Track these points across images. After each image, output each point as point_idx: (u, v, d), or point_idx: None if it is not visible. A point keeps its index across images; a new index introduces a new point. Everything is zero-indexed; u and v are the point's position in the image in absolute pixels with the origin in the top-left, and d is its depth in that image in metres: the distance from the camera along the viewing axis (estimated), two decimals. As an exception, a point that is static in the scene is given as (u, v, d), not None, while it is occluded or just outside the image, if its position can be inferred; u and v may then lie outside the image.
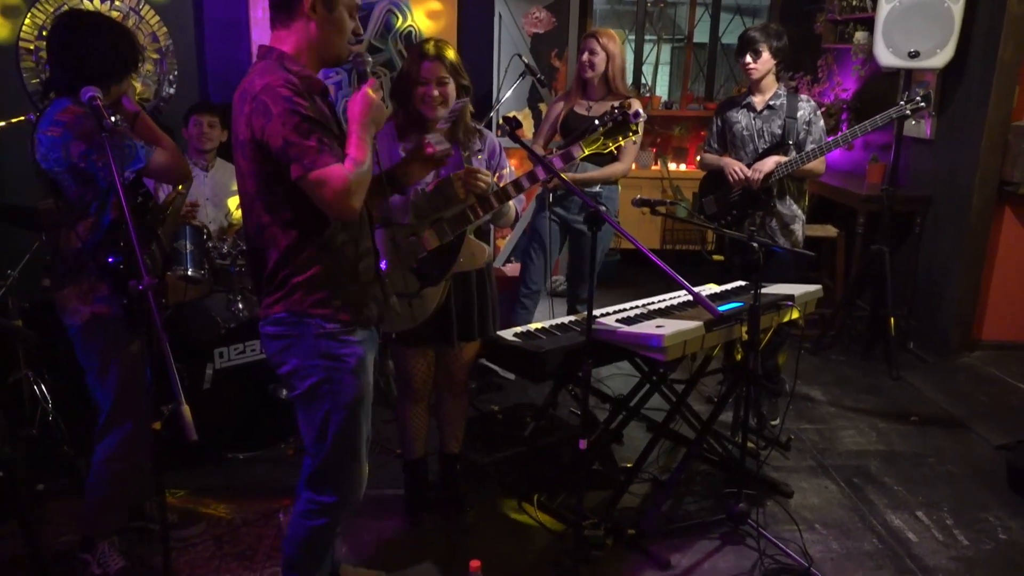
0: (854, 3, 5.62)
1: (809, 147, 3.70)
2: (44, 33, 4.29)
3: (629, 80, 7.39)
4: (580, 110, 4.00)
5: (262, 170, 1.97)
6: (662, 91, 8.63)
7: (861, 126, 3.70)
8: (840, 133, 3.82)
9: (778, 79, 3.84)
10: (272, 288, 2.06)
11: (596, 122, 2.37)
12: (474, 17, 4.97)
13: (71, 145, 2.29)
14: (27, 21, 4.29)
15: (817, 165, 3.73)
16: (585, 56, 3.92)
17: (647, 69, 7.59)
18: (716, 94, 7.40)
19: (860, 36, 5.45)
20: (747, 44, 3.70)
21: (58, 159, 2.31)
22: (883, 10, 4.54)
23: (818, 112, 3.77)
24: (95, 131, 2.10)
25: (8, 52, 4.29)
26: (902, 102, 3.71)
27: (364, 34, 2.14)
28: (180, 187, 3.23)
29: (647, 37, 7.57)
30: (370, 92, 2.00)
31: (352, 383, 2.11)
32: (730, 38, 7.10)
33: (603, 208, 2.44)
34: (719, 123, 3.95)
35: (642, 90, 7.30)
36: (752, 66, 3.71)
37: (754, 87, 3.80)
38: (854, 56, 5.57)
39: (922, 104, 3.68)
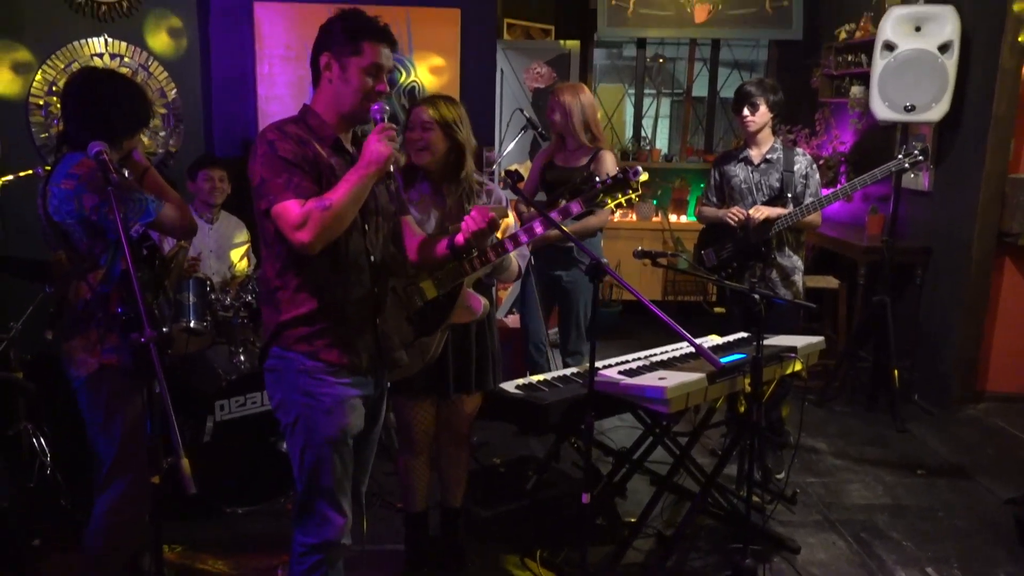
0: (849, 58, 5.73)
1: (808, 200, 3.74)
2: (54, 88, 4.37)
3: (629, 133, 7.56)
4: (558, 161, 4.09)
5: (256, 207, 2.11)
6: (662, 144, 8.75)
7: (861, 179, 3.73)
8: (839, 186, 3.85)
9: (774, 133, 3.90)
10: (270, 324, 2.19)
11: (596, 180, 2.38)
12: (477, 72, 5.05)
13: (84, 197, 2.32)
14: (38, 77, 4.37)
15: (815, 217, 3.77)
16: (547, 114, 4.06)
17: (647, 122, 7.70)
18: (715, 146, 7.49)
19: (856, 90, 5.54)
20: (744, 98, 3.77)
21: (70, 211, 2.34)
22: (878, 65, 4.63)
23: (814, 166, 3.82)
24: (106, 184, 2.13)
25: (18, 107, 4.36)
26: (900, 155, 3.75)
27: (389, 92, 2.19)
28: (183, 242, 3.25)
29: (647, 91, 7.69)
30: (376, 136, 2.06)
31: (325, 423, 2.16)
32: (728, 92, 7.20)
33: (605, 261, 2.44)
34: (717, 176, 3.99)
35: (642, 143, 7.39)
36: (750, 119, 3.76)
37: (751, 140, 3.86)
38: (851, 110, 5.65)
39: (920, 158, 3.72)
